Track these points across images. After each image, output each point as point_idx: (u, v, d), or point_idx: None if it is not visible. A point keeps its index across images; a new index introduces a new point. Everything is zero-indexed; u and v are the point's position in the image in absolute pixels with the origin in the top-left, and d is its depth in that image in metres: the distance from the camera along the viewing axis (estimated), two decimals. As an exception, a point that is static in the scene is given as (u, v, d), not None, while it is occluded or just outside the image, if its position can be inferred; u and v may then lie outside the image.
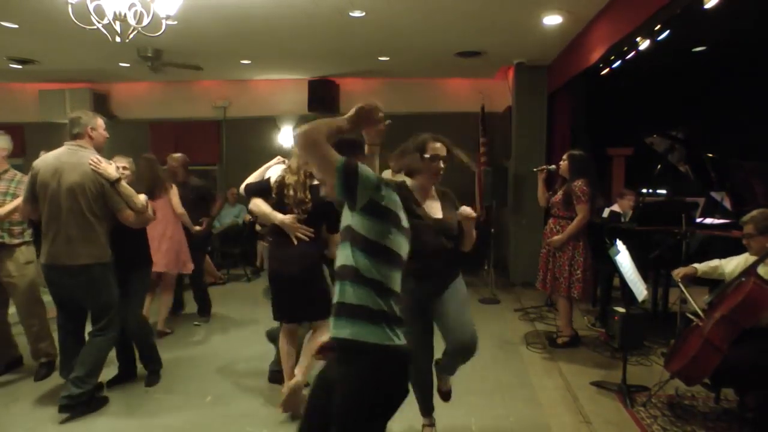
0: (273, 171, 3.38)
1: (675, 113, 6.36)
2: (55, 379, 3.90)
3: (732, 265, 3.29)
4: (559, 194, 4.50)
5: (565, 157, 4.55)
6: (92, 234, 3.28)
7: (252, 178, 3.42)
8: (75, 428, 3.20)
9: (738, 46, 5.68)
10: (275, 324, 3.64)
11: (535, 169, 4.96)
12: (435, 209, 2.73)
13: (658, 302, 5.09)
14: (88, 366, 3.30)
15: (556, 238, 4.41)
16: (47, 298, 3.66)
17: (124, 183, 3.36)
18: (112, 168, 3.33)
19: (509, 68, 7.11)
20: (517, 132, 6.94)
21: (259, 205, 3.23)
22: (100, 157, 3.35)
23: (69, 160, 3.29)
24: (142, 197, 3.50)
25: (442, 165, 2.66)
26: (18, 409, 3.44)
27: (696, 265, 3.45)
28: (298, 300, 3.23)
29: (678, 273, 3.44)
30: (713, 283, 3.53)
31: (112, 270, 3.41)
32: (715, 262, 3.41)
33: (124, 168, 3.70)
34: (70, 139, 3.38)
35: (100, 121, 3.47)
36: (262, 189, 3.29)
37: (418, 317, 2.72)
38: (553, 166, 4.71)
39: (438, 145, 2.66)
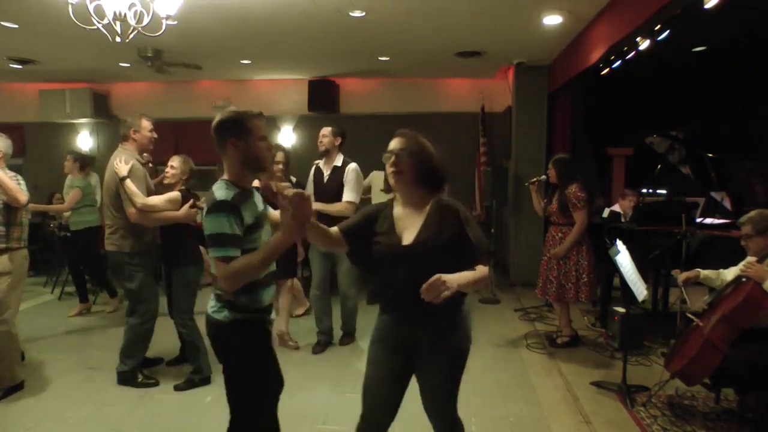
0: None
1: (675, 113, 6.36)
2: (55, 379, 3.90)
3: (733, 272, 3.27)
4: (555, 202, 4.49)
5: (550, 164, 4.54)
6: (114, 225, 3.64)
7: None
8: (75, 428, 3.20)
9: (738, 46, 5.68)
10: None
11: (527, 184, 4.96)
12: (411, 227, 2.05)
13: (658, 302, 5.09)
14: (123, 346, 3.76)
15: (557, 250, 4.40)
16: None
17: (128, 182, 3.54)
18: (124, 167, 3.57)
19: (509, 68, 7.11)
20: (517, 132, 6.94)
21: None
22: (124, 158, 3.62)
23: (111, 160, 3.67)
24: (173, 195, 3.68)
25: (394, 161, 2.03)
26: (18, 409, 3.44)
27: (700, 270, 3.44)
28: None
29: (681, 276, 3.43)
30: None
31: (138, 261, 3.67)
32: (717, 271, 3.40)
33: (171, 167, 3.86)
34: (120, 141, 3.76)
35: (144, 123, 3.73)
36: None
37: (388, 356, 2.13)
38: (544, 177, 4.71)
39: (394, 139, 2.13)
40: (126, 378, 3.77)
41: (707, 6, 3.36)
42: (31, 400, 3.57)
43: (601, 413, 3.36)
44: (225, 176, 2.08)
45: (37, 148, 8.53)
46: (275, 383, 2.19)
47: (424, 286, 1.76)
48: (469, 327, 2.14)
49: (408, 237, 2.03)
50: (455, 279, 1.81)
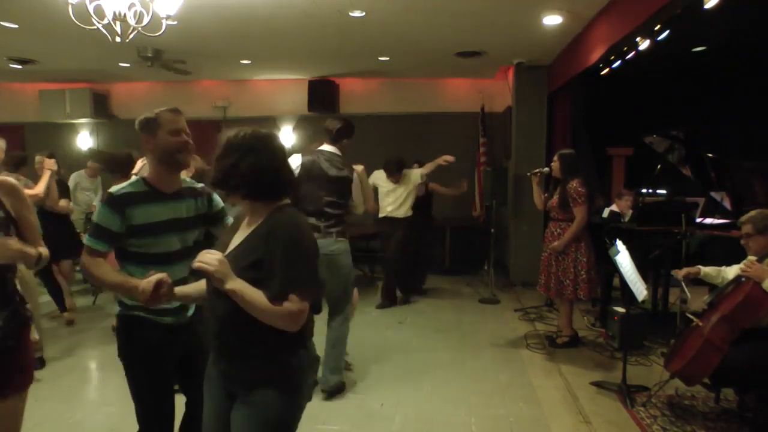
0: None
1: (675, 113, 6.35)
2: (54, 380, 3.90)
3: (735, 270, 3.27)
4: (555, 197, 4.49)
5: (555, 157, 4.54)
6: None
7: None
8: (74, 428, 3.20)
9: (738, 46, 5.67)
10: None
11: (528, 174, 4.95)
12: (235, 240, 1.74)
13: (658, 302, 5.09)
14: None
15: (555, 244, 4.40)
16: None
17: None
18: (138, 165, 3.60)
19: (509, 68, 7.11)
20: (517, 132, 6.94)
21: None
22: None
23: None
24: None
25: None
26: (18, 409, 3.44)
27: (701, 266, 3.44)
28: None
29: (682, 271, 3.43)
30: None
31: None
32: (718, 268, 3.40)
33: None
34: None
35: None
36: None
37: (214, 399, 1.77)
38: (547, 169, 4.70)
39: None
40: None
41: (707, 6, 3.37)
42: (31, 400, 3.54)
43: (601, 413, 3.36)
44: (145, 173, 2.09)
45: (37, 148, 8.48)
46: (155, 381, 2.13)
47: (207, 251, 1.59)
48: (295, 389, 1.66)
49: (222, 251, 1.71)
50: (238, 285, 1.55)
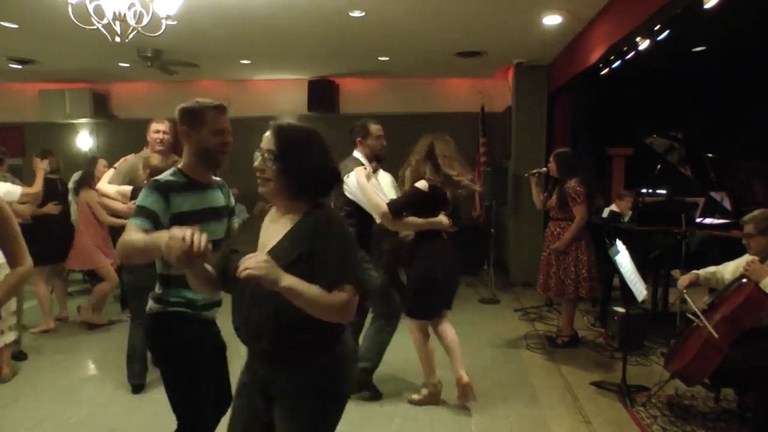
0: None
1: (675, 113, 6.35)
2: (55, 380, 3.90)
3: (730, 269, 3.27)
4: (554, 197, 4.49)
5: (551, 157, 4.55)
6: None
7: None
8: (74, 428, 3.20)
9: (738, 46, 5.67)
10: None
11: (526, 175, 4.96)
12: (273, 239, 1.68)
13: (658, 302, 5.09)
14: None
15: (556, 245, 4.40)
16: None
17: (108, 170, 3.98)
18: (120, 162, 3.90)
19: (509, 68, 7.11)
20: (517, 132, 6.94)
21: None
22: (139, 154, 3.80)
23: None
24: (125, 188, 3.76)
25: (259, 164, 1.64)
26: (18, 409, 3.44)
27: (696, 271, 3.44)
28: (454, 290, 3.51)
29: (683, 283, 3.40)
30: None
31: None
32: (712, 269, 3.38)
33: None
34: None
35: (151, 125, 3.83)
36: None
37: (250, 402, 1.76)
38: (544, 169, 4.71)
39: (266, 133, 1.68)
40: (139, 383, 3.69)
41: (707, 6, 3.36)
42: (31, 400, 3.57)
43: (601, 413, 3.36)
44: (179, 165, 2.09)
45: (37, 149, 8.45)
46: (202, 377, 2.11)
47: (248, 256, 1.50)
48: (342, 377, 1.70)
49: (263, 250, 1.66)
50: (291, 281, 1.50)
